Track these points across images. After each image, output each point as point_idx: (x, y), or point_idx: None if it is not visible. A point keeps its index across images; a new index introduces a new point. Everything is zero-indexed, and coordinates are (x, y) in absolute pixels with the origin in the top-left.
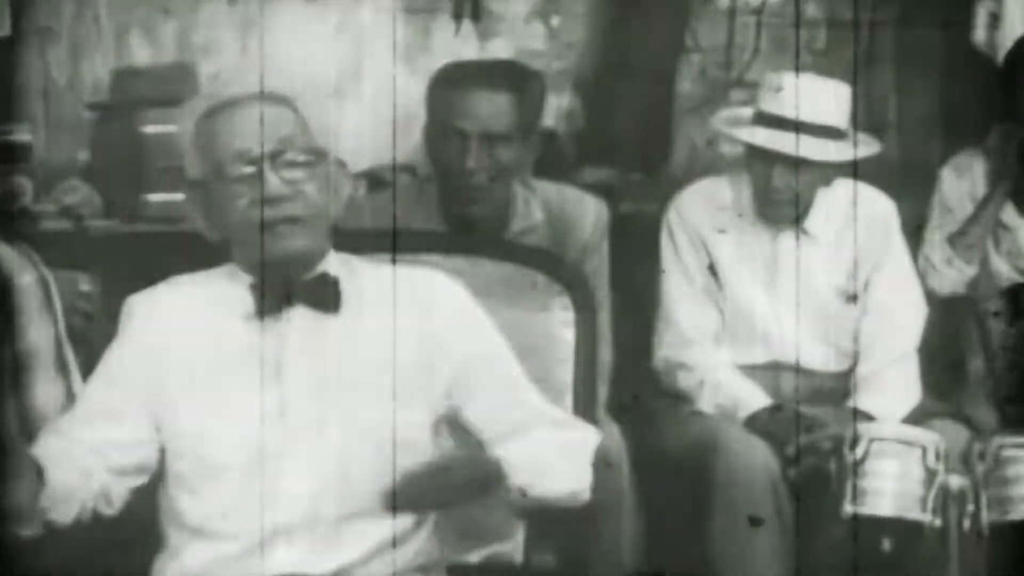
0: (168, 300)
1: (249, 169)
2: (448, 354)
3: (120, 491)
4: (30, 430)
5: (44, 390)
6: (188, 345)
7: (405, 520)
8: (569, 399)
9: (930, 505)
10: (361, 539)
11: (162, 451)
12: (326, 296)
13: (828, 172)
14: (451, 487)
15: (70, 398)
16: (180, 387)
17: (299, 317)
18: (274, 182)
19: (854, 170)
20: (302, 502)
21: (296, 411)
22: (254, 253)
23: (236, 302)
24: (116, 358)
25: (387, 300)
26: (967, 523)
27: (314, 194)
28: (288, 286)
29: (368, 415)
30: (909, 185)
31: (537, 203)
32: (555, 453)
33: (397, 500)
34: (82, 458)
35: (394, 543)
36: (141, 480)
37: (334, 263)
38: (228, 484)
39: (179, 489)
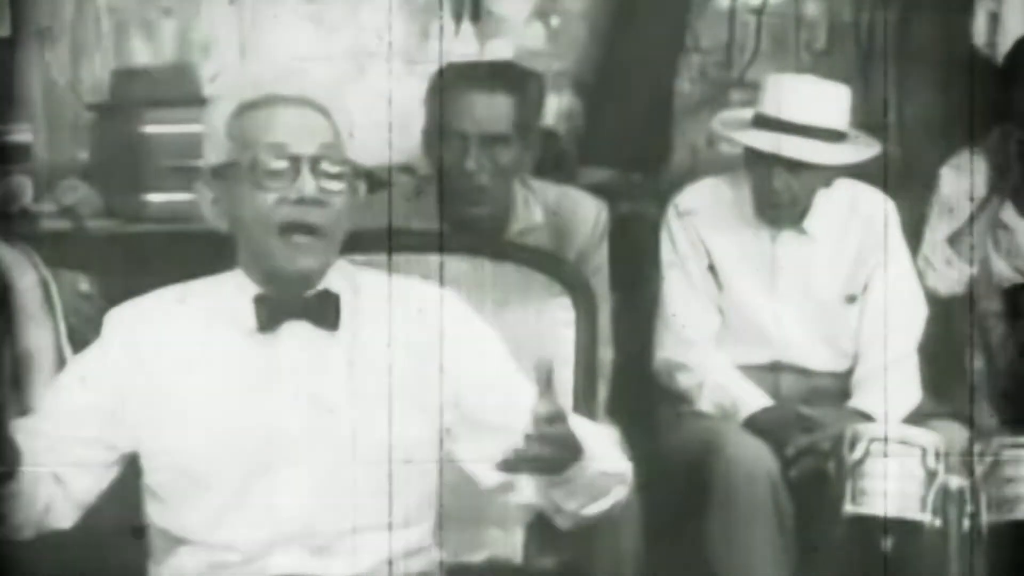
0: (158, 313)
1: (283, 164)
2: (449, 367)
3: (81, 487)
4: None
5: (43, 390)
6: (180, 358)
7: (408, 535)
8: (569, 399)
9: (930, 505)
10: (359, 555)
11: (131, 459)
12: (326, 313)
13: (828, 173)
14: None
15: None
16: (165, 400)
17: (297, 331)
18: (310, 184)
19: (854, 171)
20: (297, 518)
21: (292, 425)
22: (262, 259)
23: (236, 314)
24: (90, 365)
25: (385, 314)
26: (967, 523)
27: (339, 209)
28: (290, 302)
29: (366, 429)
30: (909, 185)
31: (537, 203)
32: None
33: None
34: (35, 455)
35: None
36: (103, 480)
37: (335, 276)
38: (215, 497)
39: (155, 501)
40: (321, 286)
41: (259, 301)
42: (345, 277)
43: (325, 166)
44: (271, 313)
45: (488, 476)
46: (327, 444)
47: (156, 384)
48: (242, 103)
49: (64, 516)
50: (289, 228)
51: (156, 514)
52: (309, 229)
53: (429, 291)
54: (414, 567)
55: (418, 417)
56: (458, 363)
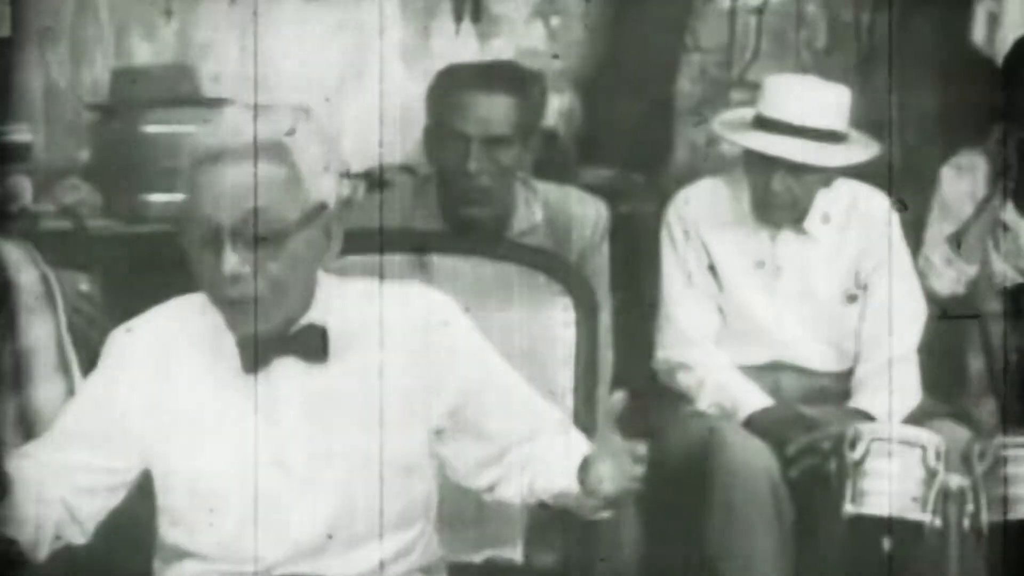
0: (154, 339)
1: (206, 238)
2: (448, 375)
3: (89, 511)
4: (30, 429)
5: (45, 389)
6: (180, 387)
7: (408, 533)
8: (569, 400)
9: (930, 505)
10: (363, 559)
11: (139, 479)
12: (313, 347)
13: (828, 174)
14: None
15: (71, 397)
16: (172, 427)
17: (286, 366)
18: (231, 261)
19: (853, 171)
20: (302, 539)
21: (291, 450)
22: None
23: (223, 356)
24: (98, 391)
25: (377, 328)
26: (967, 523)
27: (281, 271)
28: (274, 340)
29: (363, 446)
30: (909, 185)
31: (538, 203)
32: (561, 452)
33: None
34: (43, 482)
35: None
36: (111, 501)
37: (321, 303)
38: (225, 521)
39: (171, 523)
40: (304, 321)
41: (242, 344)
42: (331, 298)
43: (258, 229)
44: (259, 352)
45: (476, 477)
46: (329, 463)
47: (162, 407)
48: (194, 158)
49: (76, 535)
50: (226, 302)
51: (169, 532)
52: (244, 301)
53: (425, 295)
54: (406, 565)
55: (414, 425)
56: (457, 369)
